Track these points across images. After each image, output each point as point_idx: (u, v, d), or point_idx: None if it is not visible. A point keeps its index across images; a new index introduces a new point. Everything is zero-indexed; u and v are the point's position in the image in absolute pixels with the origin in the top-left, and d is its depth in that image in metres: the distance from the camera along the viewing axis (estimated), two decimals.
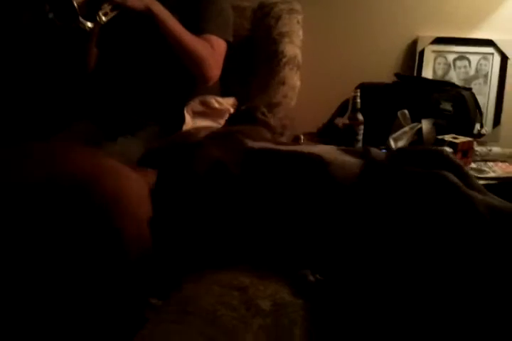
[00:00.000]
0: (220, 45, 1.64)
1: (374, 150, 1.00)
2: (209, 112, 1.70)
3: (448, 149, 1.68)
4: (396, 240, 0.84)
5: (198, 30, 1.60)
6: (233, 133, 1.02)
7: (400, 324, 0.86)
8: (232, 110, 1.75)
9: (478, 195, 0.85)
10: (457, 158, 1.69)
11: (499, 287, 0.80)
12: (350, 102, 1.63)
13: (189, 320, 0.79)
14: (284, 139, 1.70)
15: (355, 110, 1.62)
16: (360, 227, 0.87)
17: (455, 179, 0.84)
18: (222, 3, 1.67)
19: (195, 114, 1.67)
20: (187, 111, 1.64)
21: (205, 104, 1.68)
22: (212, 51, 1.61)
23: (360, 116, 1.63)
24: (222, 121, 1.75)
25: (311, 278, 0.98)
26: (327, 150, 0.97)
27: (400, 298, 0.87)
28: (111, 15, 1.41)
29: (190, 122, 1.64)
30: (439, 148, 1.11)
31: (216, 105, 1.68)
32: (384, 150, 1.77)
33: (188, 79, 1.65)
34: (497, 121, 2.08)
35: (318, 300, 0.95)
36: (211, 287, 0.89)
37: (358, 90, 1.60)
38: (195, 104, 1.67)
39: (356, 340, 0.91)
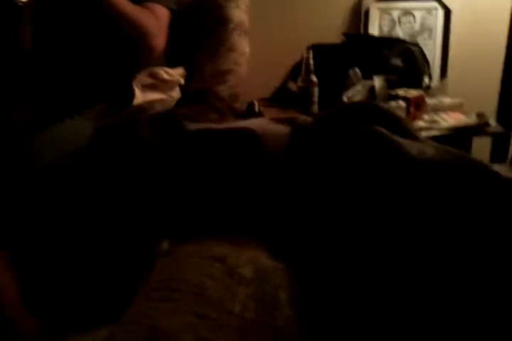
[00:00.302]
0: (163, 14, 1.58)
1: (301, 117, 1.02)
2: (159, 84, 1.64)
3: (401, 103, 1.70)
4: (334, 201, 0.85)
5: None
6: (173, 116, 1.00)
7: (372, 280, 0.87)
8: (182, 81, 1.70)
9: (408, 141, 0.84)
10: (411, 111, 1.74)
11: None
12: (304, 64, 1.60)
13: (177, 297, 0.77)
14: (236, 108, 1.68)
15: (308, 72, 1.61)
16: (298, 194, 0.88)
17: (380, 129, 0.84)
18: None
19: (145, 87, 1.61)
20: (135, 85, 1.58)
21: (153, 75, 1.62)
22: (155, 20, 1.55)
23: (314, 78, 1.62)
24: (173, 93, 1.70)
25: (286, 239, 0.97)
26: (258, 123, 0.98)
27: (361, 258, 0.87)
28: None
29: (140, 96, 1.58)
30: (370, 101, 1.11)
31: (166, 76, 1.62)
32: None
33: (132, 51, 1.58)
34: (443, 73, 2.12)
35: (296, 262, 0.95)
36: (191, 260, 0.87)
37: (311, 51, 1.58)
38: (143, 77, 1.61)
39: (342, 300, 0.91)
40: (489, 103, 2.04)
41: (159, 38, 1.55)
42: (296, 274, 0.93)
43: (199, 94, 1.13)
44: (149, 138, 0.97)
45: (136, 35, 1.52)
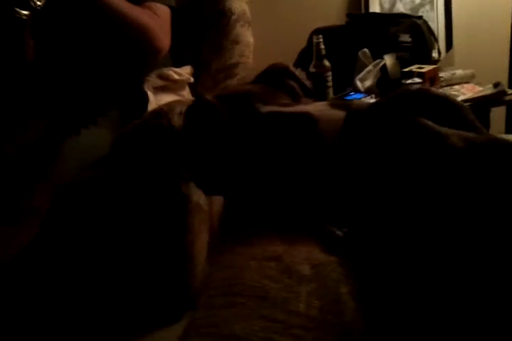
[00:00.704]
0: (164, 12, 1.54)
1: (356, 102, 1.03)
2: (170, 85, 1.61)
3: (417, 79, 1.67)
4: (384, 190, 0.85)
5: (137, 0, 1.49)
6: (247, 98, 0.98)
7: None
8: (192, 79, 1.67)
9: (450, 130, 0.84)
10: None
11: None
12: (314, 49, 1.57)
13: (242, 302, 0.75)
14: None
15: (320, 57, 1.57)
16: (351, 179, 0.88)
17: (424, 121, 0.84)
18: None
19: (156, 90, 1.58)
20: (147, 88, 1.55)
21: (163, 77, 1.59)
22: (157, 20, 1.51)
23: (326, 63, 1.58)
24: (184, 93, 1.67)
25: (339, 232, 0.95)
26: (318, 107, 0.98)
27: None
28: None
29: (153, 99, 1.55)
30: (419, 87, 1.11)
31: (176, 76, 1.59)
32: (353, 93, 1.76)
33: (138, 53, 1.55)
34: (449, 45, 2.08)
35: (351, 254, 0.93)
36: (247, 262, 0.85)
37: (321, 36, 1.54)
38: (153, 80, 1.58)
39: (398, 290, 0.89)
40: (499, 71, 2.00)
41: (164, 39, 1.52)
42: (352, 266, 0.91)
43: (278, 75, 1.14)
44: (223, 116, 0.98)
45: (140, 37, 1.48)
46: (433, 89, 1.03)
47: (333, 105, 0.99)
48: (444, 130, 0.83)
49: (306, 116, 0.94)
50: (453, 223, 0.78)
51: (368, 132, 0.86)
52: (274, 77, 1.14)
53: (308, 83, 1.18)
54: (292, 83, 1.12)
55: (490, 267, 0.77)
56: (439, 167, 0.81)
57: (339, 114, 0.93)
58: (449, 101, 0.89)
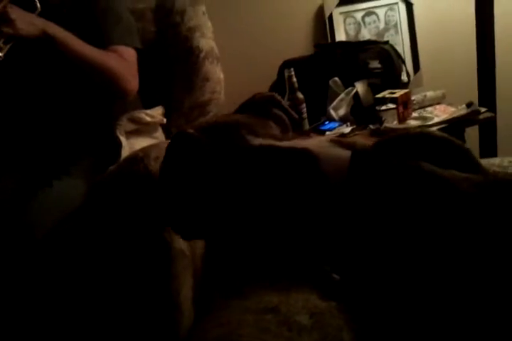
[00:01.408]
0: (130, 55, 1.51)
1: (361, 142, 0.99)
2: (142, 128, 1.57)
3: (391, 105, 1.67)
4: (392, 233, 0.81)
5: (101, 43, 1.46)
6: (236, 128, 0.93)
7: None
8: (164, 120, 1.64)
9: (458, 174, 0.81)
10: (399, 111, 1.71)
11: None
12: (287, 83, 1.56)
13: None
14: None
15: (293, 90, 1.56)
16: (354, 222, 0.84)
17: (429, 166, 0.82)
18: (118, 10, 1.52)
19: (129, 134, 1.54)
20: (119, 133, 1.50)
21: (135, 120, 1.55)
22: (124, 62, 1.47)
23: (300, 95, 1.57)
24: (157, 134, 1.64)
25: (335, 276, 0.91)
26: (318, 144, 0.92)
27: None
28: (6, 48, 1.24)
29: (126, 144, 1.51)
30: (424, 130, 1.07)
31: (148, 119, 1.55)
32: (327, 122, 1.75)
33: (106, 98, 1.51)
34: (416, 66, 2.11)
35: (350, 297, 0.89)
36: (244, 316, 0.80)
37: (292, 69, 1.53)
38: (125, 124, 1.53)
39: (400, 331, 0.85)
40: (468, 89, 2.02)
41: (132, 81, 1.48)
42: (353, 310, 0.87)
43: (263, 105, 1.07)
44: (206, 150, 0.92)
45: (108, 82, 1.45)
46: (436, 131, 1.00)
47: (335, 142, 0.94)
48: (451, 174, 0.80)
49: (306, 152, 0.88)
50: (461, 270, 0.74)
51: (374, 174, 0.82)
52: (259, 106, 1.09)
53: (293, 112, 1.12)
54: (279, 112, 1.08)
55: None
56: (451, 213, 0.77)
57: (343, 153, 0.88)
58: (453, 144, 0.87)
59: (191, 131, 0.97)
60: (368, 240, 0.81)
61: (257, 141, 0.91)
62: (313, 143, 0.93)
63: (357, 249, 0.84)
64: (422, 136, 0.88)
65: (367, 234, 0.81)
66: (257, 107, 1.09)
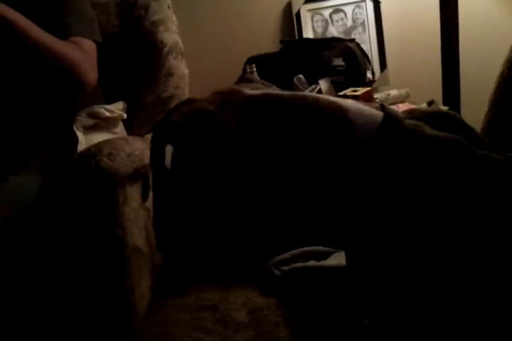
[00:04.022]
0: (89, 46, 1.49)
1: (390, 107, 0.88)
2: (101, 123, 1.56)
3: None
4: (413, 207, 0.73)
5: (61, 34, 1.44)
6: (231, 88, 0.83)
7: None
8: (124, 115, 1.62)
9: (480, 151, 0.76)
10: None
11: None
12: (249, 79, 1.56)
13: None
14: None
15: None
16: (375, 189, 0.74)
17: (467, 142, 0.76)
18: (79, 1, 1.51)
19: (87, 129, 1.53)
20: (77, 128, 1.49)
21: (94, 115, 1.53)
22: (83, 53, 1.45)
23: None
24: (117, 130, 1.62)
25: (277, 272, 0.92)
26: (342, 99, 0.79)
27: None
28: None
29: (83, 139, 1.49)
30: (452, 111, 1.03)
31: (107, 114, 1.54)
32: None
33: (63, 89, 1.49)
34: (383, 64, 2.12)
35: (289, 293, 0.90)
36: (180, 315, 0.81)
37: (254, 65, 1.53)
38: (83, 119, 1.52)
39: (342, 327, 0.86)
40: (433, 88, 2.04)
41: (91, 73, 1.46)
42: (292, 307, 0.88)
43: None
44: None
45: (65, 70, 1.41)
46: (453, 112, 0.92)
47: (361, 102, 0.84)
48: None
49: (330, 103, 0.74)
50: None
51: (406, 139, 0.74)
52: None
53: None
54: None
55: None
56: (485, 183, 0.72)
57: (374, 111, 0.77)
58: (464, 124, 0.81)
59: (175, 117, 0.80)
60: (385, 211, 0.73)
61: (257, 91, 0.78)
62: (338, 98, 0.79)
63: (370, 224, 0.74)
64: (445, 116, 0.82)
65: (386, 203, 0.73)
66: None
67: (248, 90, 0.78)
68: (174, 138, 0.77)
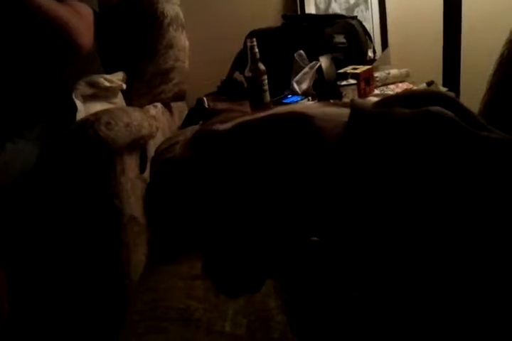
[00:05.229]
0: (85, 11, 1.49)
1: (359, 100, 0.88)
2: (100, 93, 1.56)
3: (352, 81, 1.68)
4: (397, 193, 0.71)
5: None
6: (199, 129, 0.83)
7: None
8: (124, 86, 1.63)
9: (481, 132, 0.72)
10: (361, 87, 1.72)
11: None
12: (249, 53, 1.55)
13: (164, 326, 0.73)
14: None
15: (254, 61, 1.55)
16: (354, 186, 0.73)
17: (449, 113, 0.72)
18: None
19: (86, 98, 1.53)
20: (76, 97, 1.50)
21: (93, 85, 1.54)
22: (78, 16, 1.46)
23: (261, 66, 1.56)
24: (116, 100, 1.63)
25: None
26: (308, 106, 0.82)
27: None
28: None
29: (82, 108, 1.50)
30: (430, 88, 0.98)
31: (106, 84, 1.54)
32: (290, 95, 1.75)
33: (59, 52, 1.48)
34: (384, 44, 2.11)
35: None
36: (172, 282, 0.83)
37: (254, 39, 1.52)
38: (82, 88, 1.53)
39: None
40: (433, 69, 2.04)
41: (86, 36, 1.46)
42: (281, 279, 0.90)
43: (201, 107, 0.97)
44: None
45: (59, 31, 1.41)
46: (444, 91, 0.87)
47: (325, 104, 0.84)
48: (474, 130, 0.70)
49: (295, 114, 0.76)
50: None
51: (377, 132, 0.72)
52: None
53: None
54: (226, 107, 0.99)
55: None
56: (470, 160, 0.69)
57: (340, 110, 0.77)
58: (460, 106, 0.77)
59: (174, 154, 0.87)
60: (363, 205, 0.72)
61: (228, 125, 0.80)
62: (302, 105, 0.87)
63: (351, 217, 0.74)
64: (429, 95, 0.79)
65: (362, 198, 0.72)
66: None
67: (221, 126, 0.80)
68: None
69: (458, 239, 0.69)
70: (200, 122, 1.05)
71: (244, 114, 0.90)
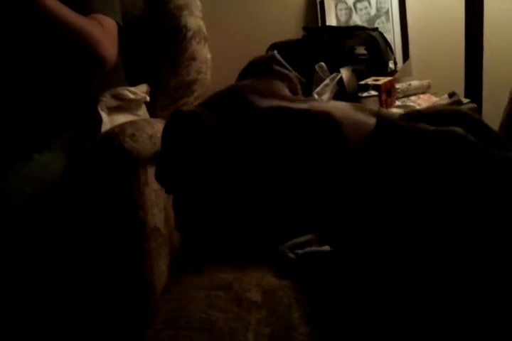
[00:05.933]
0: (110, 24, 1.52)
1: (385, 111, 0.90)
2: (125, 105, 1.59)
3: (373, 92, 1.68)
4: (412, 205, 0.74)
5: (82, 10, 1.46)
6: (238, 92, 0.85)
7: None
8: (147, 98, 1.65)
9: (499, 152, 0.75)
10: (382, 98, 1.72)
11: None
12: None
13: (187, 336, 0.73)
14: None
15: None
16: (372, 193, 0.77)
17: (470, 136, 0.75)
18: None
19: (111, 110, 1.56)
20: (101, 109, 1.53)
21: (118, 97, 1.57)
22: (103, 30, 1.48)
23: None
24: (140, 112, 1.66)
25: (291, 255, 0.94)
26: (339, 107, 0.82)
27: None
28: None
29: (107, 120, 1.53)
30: (456, 107, 1.01)
31: (131, 96, 1.57)
32: None
33: (84, 66, 1.52)
34: (406, 55, 2.11)
35: (303, 277, 0.92)
36: (195, 292, 0.83)
37: (276, 51, 1.54)
38: (107, 100, 1.55)
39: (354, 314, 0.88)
40: (455, 80, 2.03)
41: (110, 49, 1.48)
42: (305, 290, 0.90)
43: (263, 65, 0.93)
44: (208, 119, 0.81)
45: (84, 45, 1.44)
46: (470, 112, 0.91)
47: (357, 107, 0.85)
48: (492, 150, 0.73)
49: (327, 116, 0.78)
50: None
51: (400, 144, 0.75)
52: (260, 66, 0.98)
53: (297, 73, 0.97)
54: (282, 69, 0.95)
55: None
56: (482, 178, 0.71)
57: (367, 119, 0.79)
58: (486, 127, 0.80)
59: (190, 108, 0.87)
60: (378, 212, 0.75)
61: (265, 103, 0.81)
62: (334, 106, 0.83)
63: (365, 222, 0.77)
64: (455, 114, 0.81)
65: (378, 206, 0.75)
66: (257, 68, 0.98)
67: (258, 100, 0.81)
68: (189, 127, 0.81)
69: (470, 251, 0.71)
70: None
71: (283, 97, 0.91)
